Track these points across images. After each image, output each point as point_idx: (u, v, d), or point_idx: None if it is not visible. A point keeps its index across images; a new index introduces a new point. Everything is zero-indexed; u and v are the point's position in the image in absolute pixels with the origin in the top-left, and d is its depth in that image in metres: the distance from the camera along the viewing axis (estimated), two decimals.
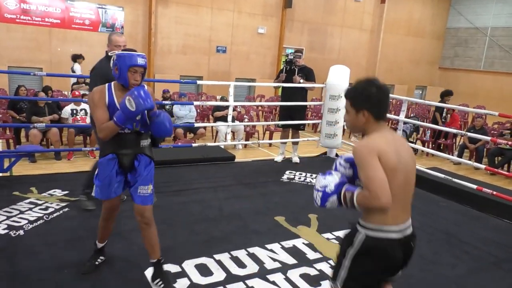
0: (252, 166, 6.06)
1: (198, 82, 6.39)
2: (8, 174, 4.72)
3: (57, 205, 3.94)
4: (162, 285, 2.65)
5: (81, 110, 6.68)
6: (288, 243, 3.50)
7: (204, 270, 2.98)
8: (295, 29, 14.82)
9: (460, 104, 11.57)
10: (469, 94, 16.24)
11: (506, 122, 10.00)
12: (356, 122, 1.80)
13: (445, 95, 8.54)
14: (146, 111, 2.53)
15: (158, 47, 12.37)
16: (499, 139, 6.13)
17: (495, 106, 12.24)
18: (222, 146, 6.65)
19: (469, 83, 17.51)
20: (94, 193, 2.67)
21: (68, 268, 2.86)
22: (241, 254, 3.26)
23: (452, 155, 7.73)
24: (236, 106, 8.42)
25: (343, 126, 6.32)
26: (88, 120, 6.70)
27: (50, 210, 3.82)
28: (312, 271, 3.09)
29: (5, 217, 3.57)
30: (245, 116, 8.64)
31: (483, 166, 5.35)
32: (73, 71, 9.23)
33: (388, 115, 6.21)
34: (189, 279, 2.85)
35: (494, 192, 4.51)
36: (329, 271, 3.08)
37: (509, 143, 5.13)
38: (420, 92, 19.10)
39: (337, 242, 3.56)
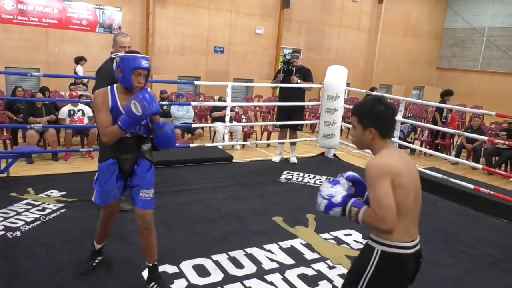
0: (250, 166, 6.06)
1: (196, 82, 6.41)
2: (5, 175, 4.70)
3: (54, 206, 3.93)
4: None
5: (78, 110, 6.66)
6: (286, 244, 3.50)
7: (201, 271, 2.97)
8: (292, 29, 14.83)
9: (457, 104, 11.58)
10: (467, 94, 16.27)
11: (503, 122, 10.03)
12: (363, 138, 1.82)
13: (445, 94, 8.43)
14: (149, 117, 2.51)
15: (155, 47, 12.36)
16: (496, 139, 6.14)
17: (492, 106, 12.30)
18: (220, 147, 6.64)
19: (467, 83, 17.55)
20: (94, 198, 2.65)
21: (65, 269, 2.85)
22: (239, 254, 3.25)
23: (450, 155, 7.73)
24: (234, 107, 8.42)
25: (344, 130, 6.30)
26: (85, 121, 6.69)
27: (47, 211, 3.81)
28: (310, 271, 3.09)
29: (2, 218, 3.56)
30: (243, 117, 8.64)
31: (480, 166, 5.36)
32: (76, 73, 9.21)
33: None
34: (187, 280, 2.84)
35: (492, 192, 4.51)
36: (326, 271, 3.09)
37: (507, 142, 5.13)
38: (418, 92, 19.14)
39: (335, 242, 3.56)
